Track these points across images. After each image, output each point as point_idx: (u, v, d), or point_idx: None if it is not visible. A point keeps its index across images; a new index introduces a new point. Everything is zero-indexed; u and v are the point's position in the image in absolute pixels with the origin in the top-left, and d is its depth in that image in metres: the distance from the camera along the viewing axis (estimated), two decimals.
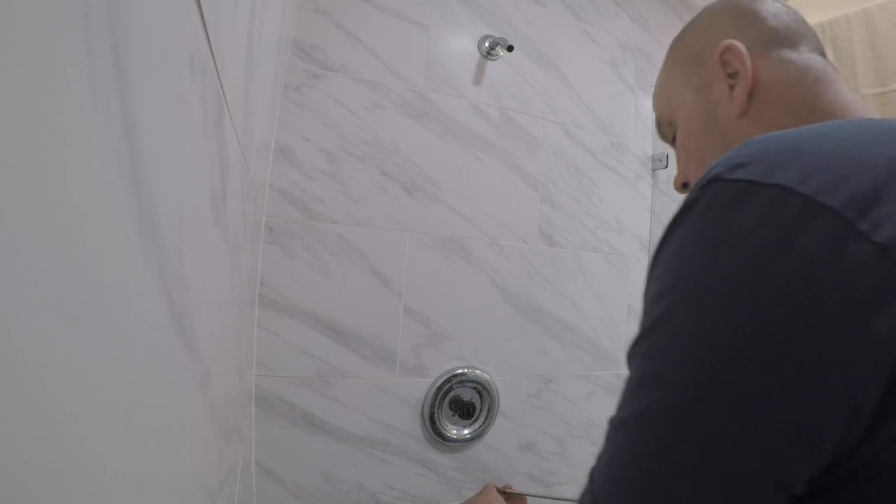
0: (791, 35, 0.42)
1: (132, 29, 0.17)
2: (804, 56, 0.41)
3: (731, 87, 0.42)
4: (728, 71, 0.43)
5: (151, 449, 0.23)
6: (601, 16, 1.37)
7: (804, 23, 0.44)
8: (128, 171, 0.18)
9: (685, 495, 0.24)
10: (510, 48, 1.12)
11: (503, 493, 1.04)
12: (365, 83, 1.07)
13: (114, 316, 0.17)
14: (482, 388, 1.14)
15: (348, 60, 1.06)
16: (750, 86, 0.41)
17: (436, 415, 1.09)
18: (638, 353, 0.28)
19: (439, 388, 1.09)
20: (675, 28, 0.56)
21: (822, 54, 0.42)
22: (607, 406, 1.30)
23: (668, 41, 0.54)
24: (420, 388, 1.09)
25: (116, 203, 0.17)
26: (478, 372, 1.13)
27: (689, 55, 0.47)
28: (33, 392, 0.12)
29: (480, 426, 1.14)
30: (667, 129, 0.51)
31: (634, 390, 0.27)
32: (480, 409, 1.15)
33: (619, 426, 0.28)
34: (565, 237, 1.25)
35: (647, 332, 0.28)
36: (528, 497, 1.08)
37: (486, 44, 1.18)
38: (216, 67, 0.31)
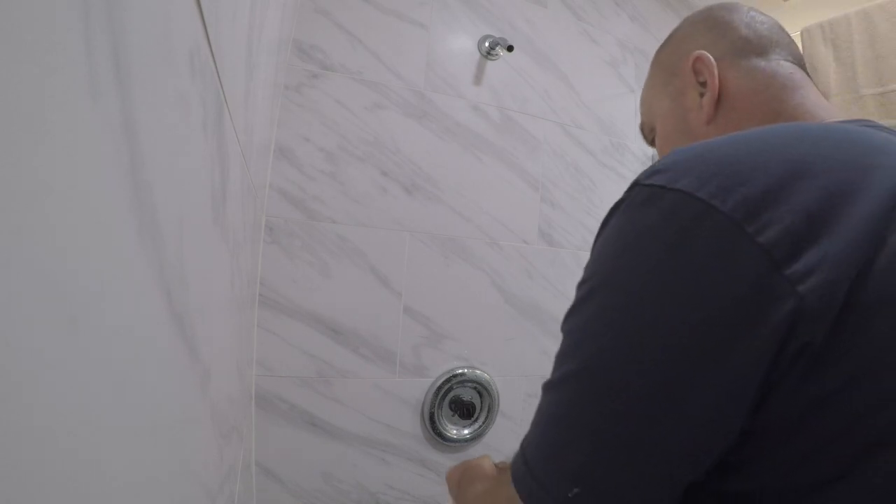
0: (763, 44, 0.44)
1: (132, 29, 0.17)
2: (773, 64, 0.43)
3: (702, 95, 0.45)
4: (699, 79, 0.45)
5: (151, 449, 0.23)
6: (601, 16, 1.37)
7: (780, 31, 0.45)
8: (128, 171, 0.18)
9: (587, 449, 0.28)
10: (510, 48, 1.12)
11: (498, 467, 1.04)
12: (365, 83, 1.07)
13: (114, 316, 0.17)
14: (482, 388, 1.14)
15: (348, 60, 1.06)
16: (716, 94, 0.43)
17: (436, 415, 1.09)
18: (564, 329, 0.32)
19: (439, 388, 1.09)
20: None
21: (798, 61, 0.44)
22: None
23: None
24: (420, 388, 1.09)
25: (116, 203, 0.17)
26: (478, 372, 1.13)
27: (667, 64, 0.50)
28: (33, 392, 0.12)
29: (480, 426, 1.14)
30: (648, 134, 0.54)
31: (558, 361, 0.32)
32: (480, 409, 1.15)
33: (544, 392, 0.32)
34: (565, 237, 1.25)
35: (570, 313, 0.32)
36: None
37: (486, 44, 1.18)
38: (216, 67, 0.31)
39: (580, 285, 0.32)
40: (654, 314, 0.27)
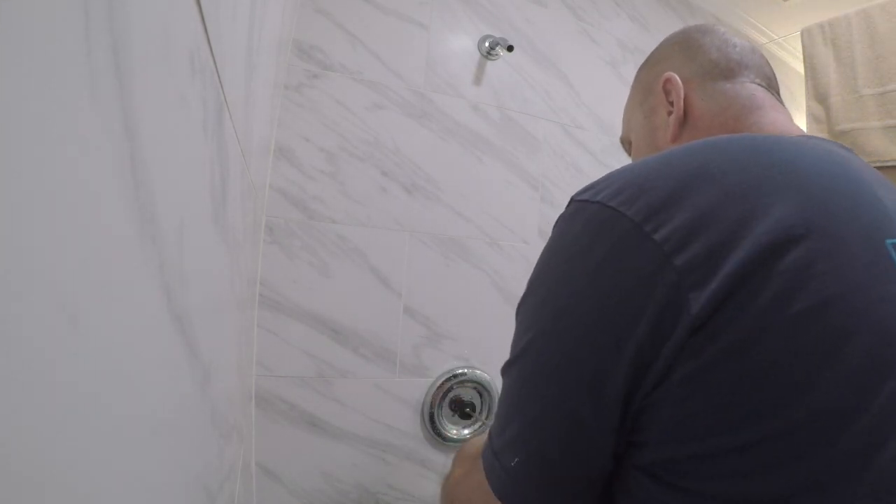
0: (731, 66, 0.46)
1: (132, 29, 0.17)
2: (737, 86, 0.45)
3: (669, 114, 0.47)
4: (669, 99, 0.48)
5: (151, 449, 0.23)
6: (601, 15, 1.37)
7: (751, 53, 0.48)
8: (128, 171, 0.18)
9: (520, 423, 0.34)
10: (510, 48, 1.12)
11: None
12: (365, 83, 1.07)
13: (114, 316, 0.17)
14: (482, 388, 1.14)
15: (348, 60, 1.05)
16: (681, 114, 0.46)
17: (436, 415, 1.09)
18: (516, 320, 0.38)
19: (439, 388, 1.09)
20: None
21: (767, 82, 0.46)
22: None
23: None
24: (420, 388, 1.09)
25: (116, 203, 0.17)
26: (478, 372, 1.13)
27: (644, 82, 0.53)
28: (33, 391, 0.12)
29: (480, 426, 1.14)
30: (627, 147, 0.58)
31: (511, 346, 0.37)
32: (480, 409, 1.15)
33: (501, 375, 0.37)
34: None
35: (518, 308, 0.37)
36: None
37: (486, 44, 1.17)
38: (216, 67, 0.31)
39: (527, 284, 0.37)
40: (568, 304, 0.32)
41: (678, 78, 0.47)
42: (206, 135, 0.30)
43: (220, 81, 0.33)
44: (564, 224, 0.35)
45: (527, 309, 0.36)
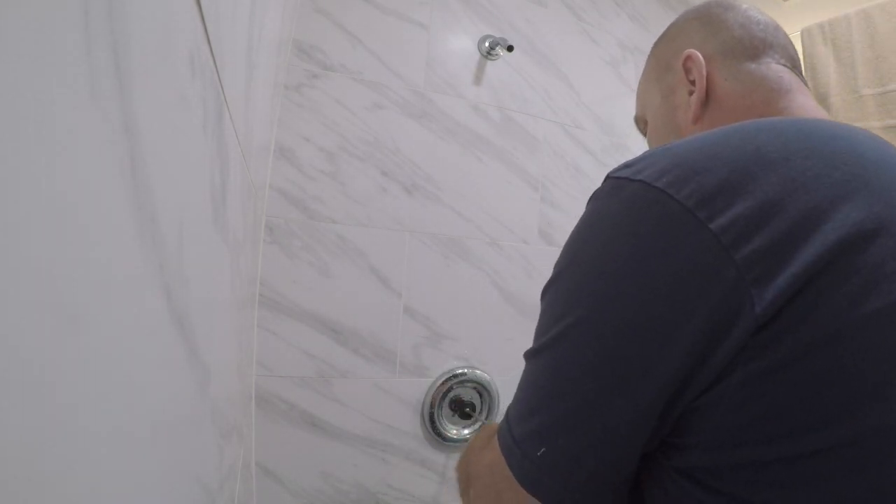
0: (756, 45, 0.43)
1: (132, 29, 0.17)
2: (762, 67, 0.42)
3: (691, 94, 0.45)
4: (690, 78, 0.45)
5: (151, 449, 0.23)
6: (601, 15, 1.37)
7: (775, 31, 0.45)
8: (128, 171, 0.18)
9: (552, 412, 0.31)
10: (510, 48, 1.12)
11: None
12: (365, 83, 1.07)
13: (114, 316, 0.17)
14: (482, 388, 1.14)
15: (348, 60, 1.06)
16: (703, 95, 0.43)
17: (436, 415, 1.09)
18: (541, 306, 0.35)
19: (439, 388, 1.09)
20: None
21: (792, 63, 0.44)
22: None
23: None
24: (420, 388, 1.09)
25: (116, 203, 0.17)
26: (478, 372, 1.13)
27: (661, 59, 0.50)
28: (33, 391, 0.12)
29: (480, 426, 1.14)
30: (642, 127, 0.55)
31: (536, 333, 0.34)
32: (480, 409, 1.15)
33: (526, 360, 0.35)
34: (565, 237, 1.24)
35: (544, 292, 0.35)
36: None
37: (486, 44, 1.17)
38: (216, 67, 0.31)
39: (554, 267, 0.34)
40: (608, 291, 0.29)
41: (700, 55, 0.44)
42: (206, 135, 0.30)
43: (220, 81, 0.33)
44: (601, 202, 0.32)
45: (558, 292, 0.33)
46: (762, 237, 0.25)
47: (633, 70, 1.41)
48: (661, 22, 1.46)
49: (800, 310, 0.25)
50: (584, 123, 1.32)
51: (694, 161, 0.28)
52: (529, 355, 0.35)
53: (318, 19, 1.03)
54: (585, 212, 0.33)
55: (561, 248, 0.35)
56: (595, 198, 0.33)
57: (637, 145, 1.40)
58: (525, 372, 0.35)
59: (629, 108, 1.39)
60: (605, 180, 0.32)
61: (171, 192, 0.23)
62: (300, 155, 1.01)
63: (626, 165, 0.32)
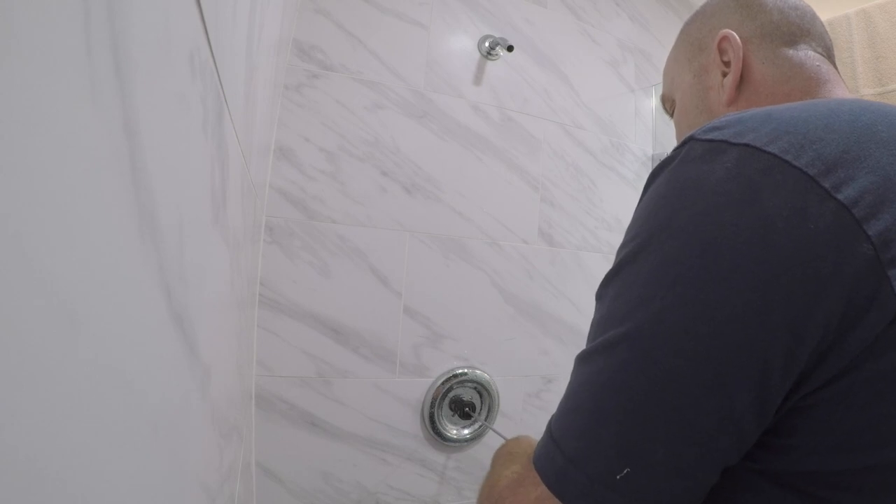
0: (793, 31, 0.42)
1: (132, 29, 0.17)
2: (800, 54, 0.41)
3: (724, 75, 0.43)
4: (724, 59, 0.43)
5: (151, 449, 0.23)
6: (601, 16, 1.37)
7: (812, 19, 0.44)
8: (128, 171, 0.18)
9: (644, 421, 0.25)
10: (510, 48, 1.12)
11: None
12: (365, 83, 1.07)
13: (114, 316, 0.17)
14: (482, 388, 1.14)
15: (348, 60, 1.06)
16: (738, 77, 0.42)
17: (436, 415, 1.09)
18: (605, 294, 0.30)
19: (439, 388, 1.09)
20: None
21: (828, 53, 0.42)
22: None
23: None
24: (420, 388, 1.09)
25: (116, 203, 0.17)
26: (478, 372, 1.13)
27: (694, 38, 0.48)
28: (33, 392, 0.12)
29: (480, 426, 1.14)
30: (668, 106, 0.53)
31: (600, 328, 0.29)
32: (480, 409, 1.15)
33: (581, 363, 0.30)
34: (565, 237, 1.25)
35: (612, 276, 0.30)
36: None
37: (486, 44, 1.17)
38: (216, 67, 0.31)
39: (623, 247, 0.29)
40: (723, 270, 0.24)
41: (737, 36, 0.42)
42: (206, 135, 0.30)
43: (220, 81, 0.33)
44: (691, 166, 0.27)
45: (637, 273, 0.27)
46: (889, 214, 0.23)
47: (633, 70, 1.41)
48: (661, 22, 1.46)
49: None
50: (584, 123, 1.32)
51: (807, 129, 0.25)
52: (595, 352, 0.29)
53: (318, 19, 1.03)
54: (665, 180, 0.28)
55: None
56: (682, 163, 0.28)
57: (637, 145, 1.40)
58: (587, 374, 0.29)
59: (629, 108, 1.39)
60: (685, 143, 0.28)
61: (171, 191, 0.23)
62: (300, 155, 1.01)
63: (715, 127, 0.27)
